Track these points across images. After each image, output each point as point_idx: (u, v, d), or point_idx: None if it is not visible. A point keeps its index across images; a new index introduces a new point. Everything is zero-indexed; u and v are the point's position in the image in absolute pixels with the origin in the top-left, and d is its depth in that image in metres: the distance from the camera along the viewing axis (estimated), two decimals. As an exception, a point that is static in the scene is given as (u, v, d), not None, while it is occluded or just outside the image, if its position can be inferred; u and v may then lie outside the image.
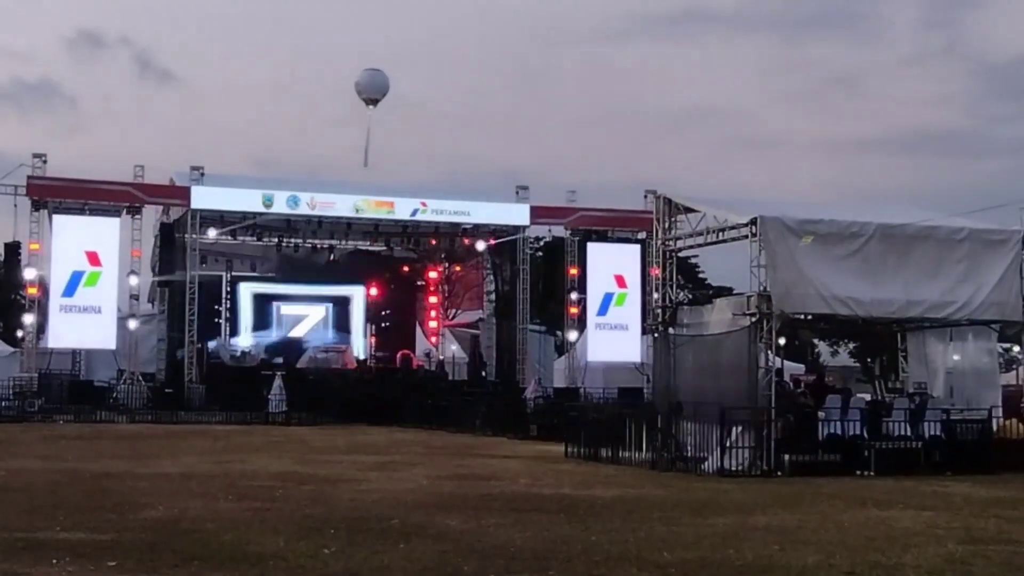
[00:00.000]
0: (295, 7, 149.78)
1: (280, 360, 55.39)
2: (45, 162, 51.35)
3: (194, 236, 53.08)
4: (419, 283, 65.23)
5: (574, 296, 57.43)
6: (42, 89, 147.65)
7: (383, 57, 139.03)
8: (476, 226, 58.20)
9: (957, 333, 31.35)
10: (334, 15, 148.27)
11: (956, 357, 31.82)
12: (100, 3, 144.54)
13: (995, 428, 28.55)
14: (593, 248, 58.01)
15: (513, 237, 57.07)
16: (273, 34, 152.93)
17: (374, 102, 53.52)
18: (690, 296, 64.89)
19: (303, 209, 54.25)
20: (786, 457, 26.20)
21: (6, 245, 53.42)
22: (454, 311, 69.70)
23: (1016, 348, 54.03)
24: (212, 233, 53.99)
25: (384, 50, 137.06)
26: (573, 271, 57.72)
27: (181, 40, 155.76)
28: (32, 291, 51.75)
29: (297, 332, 60.14)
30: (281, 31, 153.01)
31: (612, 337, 57.21)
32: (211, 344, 55.59)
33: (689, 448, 27.34)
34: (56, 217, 51.27)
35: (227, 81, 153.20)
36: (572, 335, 58.08)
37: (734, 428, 25.97)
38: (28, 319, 52.05)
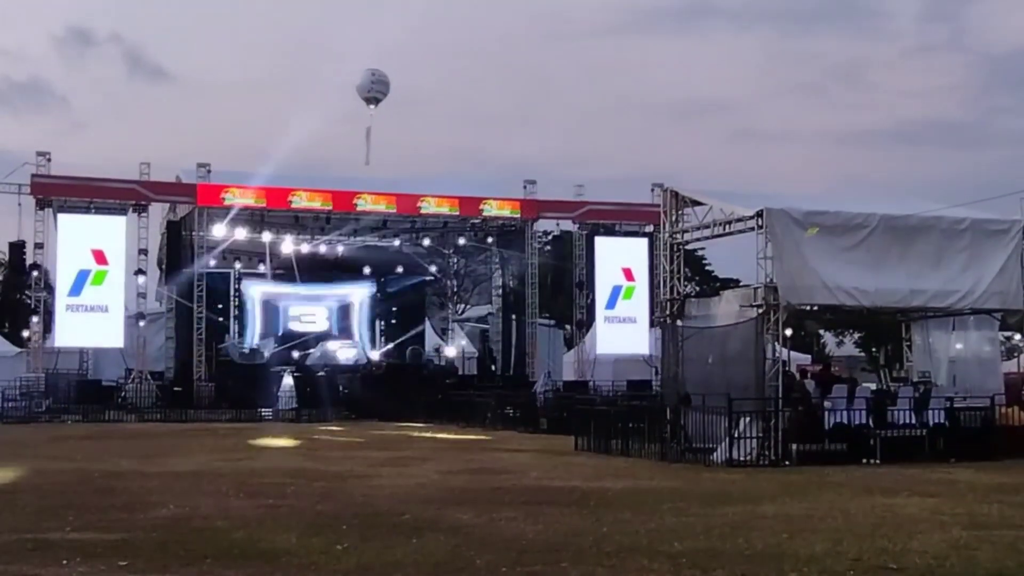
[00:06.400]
0: (286, 1, 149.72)
1: (290, 357, 55.50)
2: (49, 160, 51.31)
3: (201, 233, 53.18)
4: (428, 278, 65.29)
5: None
6: (33, 88, 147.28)
7: (388, 51, 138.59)
8: (484, 220, 58.31)
9: (960, 322, 31.47)
10: (335, 8, 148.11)
11: (959, 346, 31.93)
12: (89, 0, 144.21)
13: (997, 415, 28.64)
14: (601, 242, 58.16)
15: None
16: (269, 29, 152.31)
17: (375, 101, 53.54)
18: (697, 288, 65.30)
19: (310, 205, 54.42)
20: (793, 447, 26.36)
21: (11, 244, 53.20)
22: (463, 306, 69.82)
23: (1017, 336, 54.01)
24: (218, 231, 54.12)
25: (389, 44, 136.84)
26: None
27: (172, 37, 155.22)
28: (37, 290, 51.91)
29: (306, 328, 60.22)
30: (276, 26, 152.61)
31: (620, 330, 57.35)
32: (220, 343, 55.66)
33: (697, 439, 27.48)
34: (61, 216, 51.31)
35: (220, 78, 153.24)
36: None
37: (742, 419, 26.09)
38: (34, 319, 52.17)
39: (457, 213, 57.00)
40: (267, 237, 56.89)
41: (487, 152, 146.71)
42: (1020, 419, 28.75)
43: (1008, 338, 52.31)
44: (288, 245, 58.25)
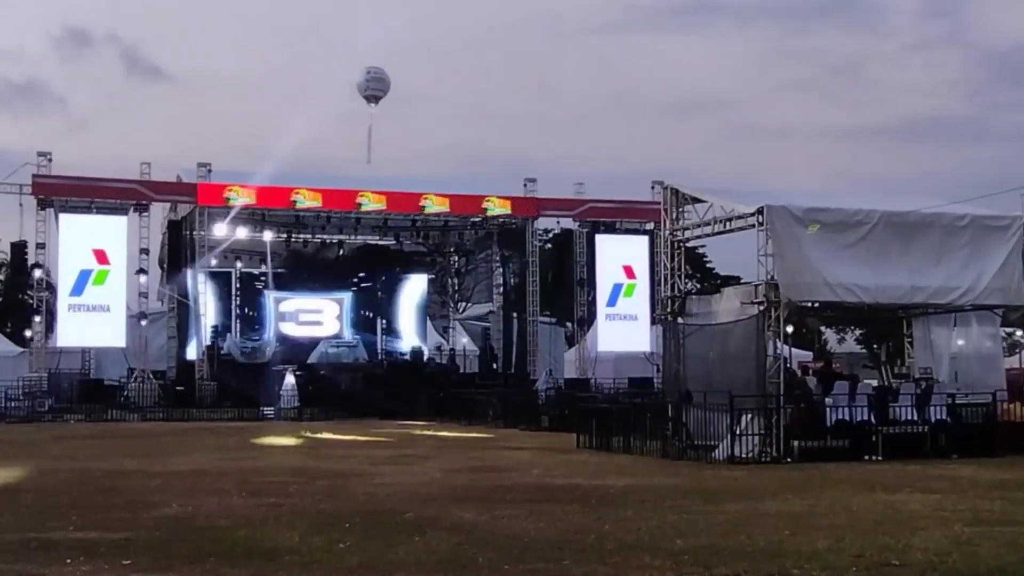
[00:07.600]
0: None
1: (291, 356, 55.49)
2: (50, 160, 51.39)
3: (202, 233, 53.20)
4: (429, 277, 65.31)
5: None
6: (31, 88, 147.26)
7: (388, 49, 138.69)
8: (485, 219, 58.31)
9: (961, 318, 31.47)
10: (334, 7, 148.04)
11: (960, 342, 31.94)
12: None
13: (999, 411, 28.64)
14: (601, 239, 58.20)
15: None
16: (268, 28, 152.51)
17: (375, 99, 53.64)
18: (698, 286, 65.26)
19: (312, 204, 54.43)
20: (795, 443, 26.36)
21: (12, 245, 53.37)
22: (464, 304, 69.86)
23: (1019, 332, 54.12)
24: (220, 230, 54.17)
25: (389, 41, 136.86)
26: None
27: (169, 36, 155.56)
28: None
29: (308, 327, 60.19)
30: (276, 25, 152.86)
31: (622, 328, 57.37)
32: (222, 341, 55.66)
33: (699, 436, 27.48)
34: (63, 216, 51.40)
35: (220, 76, 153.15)
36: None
37: (743, 416, 26.09)
38: (36, 319, 52.18)
39: (458, 211, 57.01)
40: (268, 236, 56.89)
41: (488, 150, 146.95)
42: (1022, 415, 28.79)
43: (1009, 334, 52.39)
44: (289, 244, 58.28)
